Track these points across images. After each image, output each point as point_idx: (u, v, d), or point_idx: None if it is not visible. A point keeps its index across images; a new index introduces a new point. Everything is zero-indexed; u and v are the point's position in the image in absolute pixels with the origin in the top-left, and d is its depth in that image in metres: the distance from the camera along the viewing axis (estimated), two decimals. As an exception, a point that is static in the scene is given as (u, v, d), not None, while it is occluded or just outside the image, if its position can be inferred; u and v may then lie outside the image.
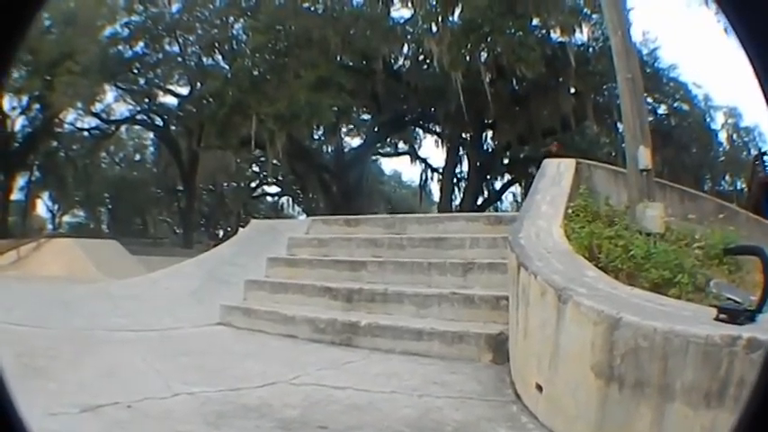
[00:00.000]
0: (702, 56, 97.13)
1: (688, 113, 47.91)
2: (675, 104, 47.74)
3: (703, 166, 49.94)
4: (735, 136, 53.90)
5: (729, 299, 5.24)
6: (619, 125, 40.77)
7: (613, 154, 44.01)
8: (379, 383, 8.86)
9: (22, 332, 11.90)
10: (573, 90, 44.38)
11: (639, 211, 12.04)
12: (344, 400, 8.03)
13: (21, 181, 66.08)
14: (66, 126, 63.98)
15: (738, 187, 50.70)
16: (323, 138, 55.13)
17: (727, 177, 53.11)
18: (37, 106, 58.65)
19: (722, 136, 52.69)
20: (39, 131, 60.55)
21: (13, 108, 59.39)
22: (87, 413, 7.25)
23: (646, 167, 12.63)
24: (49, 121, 59.06)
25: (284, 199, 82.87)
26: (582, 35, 44.06)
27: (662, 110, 47.22)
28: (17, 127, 61.64)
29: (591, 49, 44.13)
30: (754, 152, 49.00)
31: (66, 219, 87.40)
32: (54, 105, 52.33)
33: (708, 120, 50.19)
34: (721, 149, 52.27)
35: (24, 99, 58.02)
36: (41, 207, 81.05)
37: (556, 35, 43.85)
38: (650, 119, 24.10)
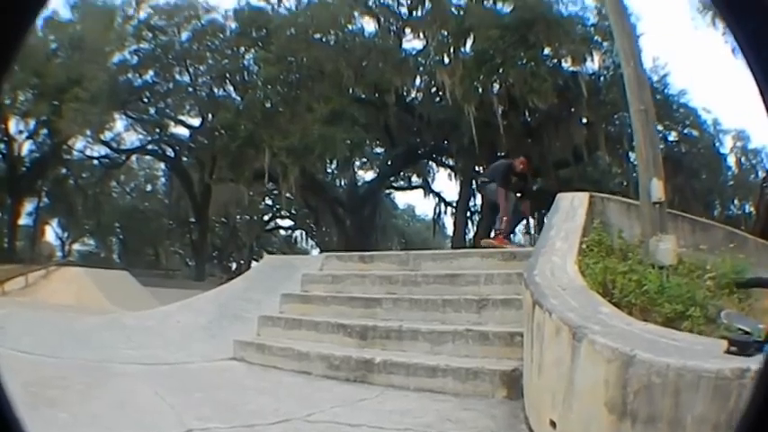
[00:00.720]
0: (710, 77, 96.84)
1: (698, 139, 47.83)
2: (685, 131, 47.63)
3: (713, 192, 49.85)
4: (743, 159, 53.60)
5: (739, 329, 5.27)
6: (630, 155, 40.91)
7: (625, 184, 44.10)
8: (393, 420, 8.83)
9: (32, 361, 11.83)
10: (584, 120, 44.43)
11: (653, 245, 12.04)
12: (359, 438, 8.00)
13: (29, 206, 66.34)
14: (75, 153, 64.00)
15: (747, 211, 50.62)
16: (336, 171, 55.01)
17: (735, 201, 52.93)
18: (44, 131, 58.86)
19: (731, 160, 52.48)
20: (47, 157, 60.80)
21: (20, 132, 59.78)
22: (99, 446, 7.25)
23: (659, 200, 12.64)
24: (57, 147, 59.11)
25: (297, 232, 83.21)
26: (593, 64, 44.15)
27: (672, 137, 47.07)
28: (24, 151, 62.00)
29: (602, 78, 44.20)
30: (762, 174, 49.08)
31: (76, 247, 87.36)
32: (62, 132, 52.22)
33: (717, 144, 50.06)
34: (730, 173, 52.09)
35: (31, 123, 58.28)
36: (50, 233, 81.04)
37: (567, 64, 43.91)
38: (661, 146, 24.17)
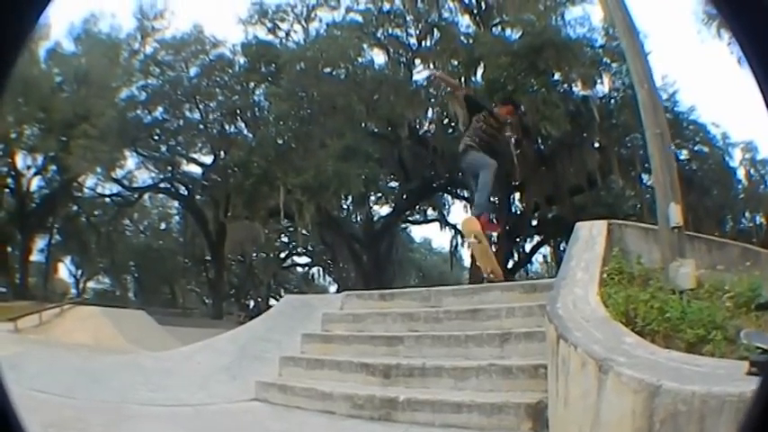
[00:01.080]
0: (716, 89, 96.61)
1: (708, 156, 47.87)
2: (696, 148, 47.61)
3: (725, 207, 49.75)
4: (752, 170, 53.56)
5: (758, 348, 5.30)
6: (643, 176, 40.89)
7: (639, 206, 44.04)
8: (418, 458, 8.77)
9: (48, 400, 11.69)
10: (597, 144, 44.44)
11: (673, 271, 11.97)
12: (385, 477, 7.94)
13: (40, 242, 67.23)
14: (86, 191, 64.62)
15: (758, 222, 50.90)
16: (351, 207, 54.85)
17: (746, 214, 52.89)
18: (53, 167, 59.31)
19: (740, 173, 52.40)
20: (57, 193, 61.24)
21: (28, 167, 60.43)
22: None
23: (677, 224, 12.60)
24: (67, 184, 59.52)
25: (315, 269, 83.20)
26: (603, 86, 44.20)
27: (683, 155, 46.94)
28: (33, 187, 62.61)
29: (612, 101, 44.31)
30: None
31: (90, 284, 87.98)
32: (72, 169, 52.43)
33: (726, 158, 50.04)
34: (740, 186, 51.96)
35: (39, 158, 58.95)
36: (64, 271, 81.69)
37: (578, 89, 43.95)
38: (673, 166, 24.12)
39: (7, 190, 61.62)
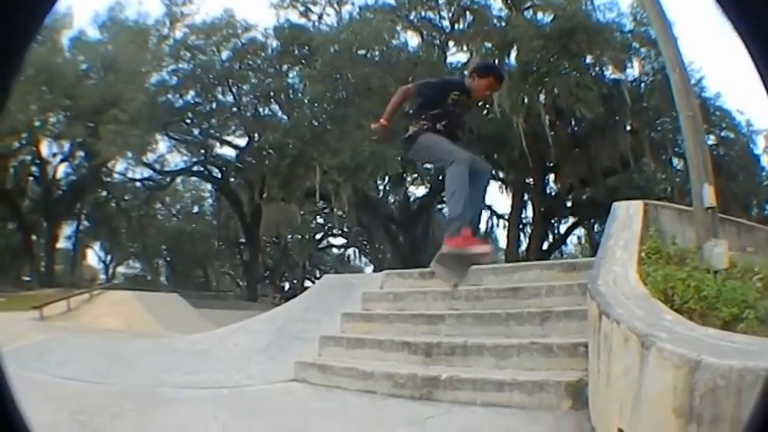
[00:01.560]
0: (738, 75, 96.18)
1: (734, 142, 47.79)
2: (723, 134, 47.55)
3: (750, 193, 49.61)
4: (775, 158, 53.40)
5: (783, 327, 5.52)
6: (674, 160, 40.87)
7: (669, 189, 43.94)
8: (462, 437, 8.81)
9: (77, 387, 11.73)
10: (629, 128, 44.33)
11: (707, 250, 12.08)
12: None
13: (67, 229, 67.01)
14: (116, 176, 64.59)
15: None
16: (388, 188, 54.92)
17: (770, 201, 52.79)
18: (81, 153, 59.14)
19: (764, 160, 52.18)
20: (85, 179, 61.07)
21: (54, 154, 60.55)
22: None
23: (710, 205, 12.70)
24: (96, 169, 59.30)
25: (350, 250, 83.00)
26: (633, 70, 44.14)
27: (711, 140, 46.75)
28: (59, 174, 62.59)
29: (643, 85, 44.19)
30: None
31: (120, 270, 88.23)
32: (101, 154, 52.14)
33: (751, 145, 49.96)
34: (764, 173, 51.80)
35: (66, 145, 58.87)
36: (92, 257, 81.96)
37: (609, 72, 43.89)
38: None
39: (31, 178, 62.27)
